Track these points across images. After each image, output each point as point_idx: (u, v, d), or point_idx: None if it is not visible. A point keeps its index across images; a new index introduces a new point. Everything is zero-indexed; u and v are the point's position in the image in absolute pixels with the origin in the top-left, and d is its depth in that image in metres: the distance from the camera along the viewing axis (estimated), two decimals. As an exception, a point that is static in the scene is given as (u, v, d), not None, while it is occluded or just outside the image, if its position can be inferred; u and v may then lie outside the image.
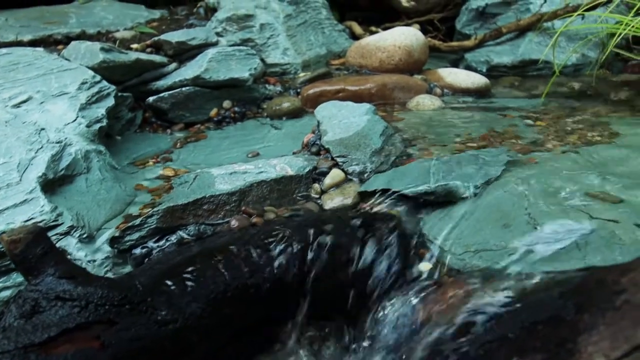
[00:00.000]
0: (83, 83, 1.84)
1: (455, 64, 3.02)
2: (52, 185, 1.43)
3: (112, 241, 1.27)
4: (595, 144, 1.49)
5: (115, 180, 1.57)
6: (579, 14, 2.49)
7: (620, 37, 2.14)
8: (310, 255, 1.20)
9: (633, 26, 2.09)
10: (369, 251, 1.23)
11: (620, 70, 2.70)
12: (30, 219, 1.28)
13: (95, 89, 1.85)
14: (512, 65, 2.77)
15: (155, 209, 1.30)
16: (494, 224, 1.13)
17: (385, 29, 3.27)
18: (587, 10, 2.54)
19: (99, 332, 0.93)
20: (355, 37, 3.19)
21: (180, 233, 1.28)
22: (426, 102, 2.12)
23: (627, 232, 0.98)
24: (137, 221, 1.28)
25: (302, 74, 2.44)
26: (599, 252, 0.96)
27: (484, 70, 2.83)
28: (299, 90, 2.32)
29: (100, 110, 1.79)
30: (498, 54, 2.84)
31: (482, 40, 2.92)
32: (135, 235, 1.27)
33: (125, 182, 1.60)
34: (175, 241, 1.27)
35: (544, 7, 2.84)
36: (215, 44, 2.37)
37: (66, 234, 1.30)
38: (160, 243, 1.27)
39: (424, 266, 1.17)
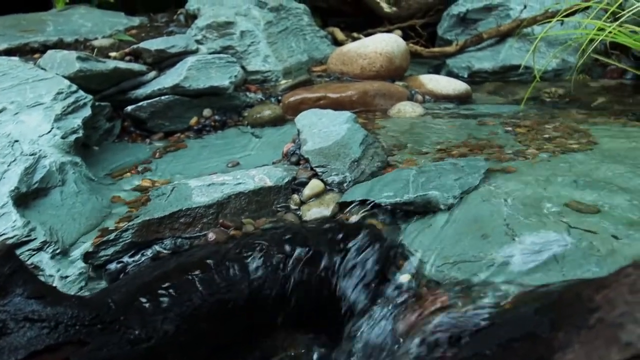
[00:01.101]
0: (59, 93, 1.81)
1: (437, 69, 3.04)
2: (25, 199, 1.40)
3: (87, 256, 1.24)
4: (573, 152, 1.49)
5: (92, 193, 1.55)
6: (558, 20, 2.51)
7: (598, 42, 2.16)
8: (288, 269, 1.19)
9: (610, 32, 2.11)
10: (348, 263, 1.21)
11: (600, 75, 2.73)
12: (2, 234, 1.25)
13: (71, 99, 1.82)
14: (493, 71, 2.79)
15: (130, 223, 1.27)
16: (472, 234, 1.12)
17: (367, 34, 3.27)
18: (566, 16, 2.56)
19: (69, 353, 0.90)
20: (337, 43, 3.18)
21: (156, 247, 1.26)
22: (407, 109, 2.12)
23: (604, 243, 0.98)
24: (112, 236, 1.25)
25: (283, 82, 2.43)
26: (577, 264, 0.95)
27: (466, 75, 2.85)
28: (280, 97, 2.31)
29: (76, 120, 1.76)
30: (479, 59, 2.86)
31: (464, 46, 2.93)
32: (110, 250, 1.24)
33: (101, 194, 1.58)
34: (151, 256, 1.24)
35: (523, 13, 2.86)
36: (195, 52, 2.35)
37: (39, 249, 1.27)
38: (136, 258, 1.24)
39: (403, 277, 1.16)
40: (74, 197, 1.49)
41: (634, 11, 1.93)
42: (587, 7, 2.54)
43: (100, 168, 1.82)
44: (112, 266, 1.23)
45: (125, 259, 1.24)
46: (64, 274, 1.23)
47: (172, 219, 1.30)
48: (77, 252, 1.28)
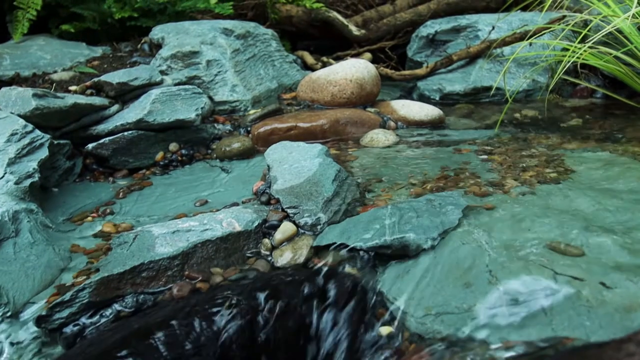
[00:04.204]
0: (13, 134, 1.71)
1: (408, 92, 3.01)
2: (-27, 255, 1.29)
3: (39, 320, 1.14)
4: (551, 183, 1.46)
5: (48, 243, 1.44)
6: (528, 42, 2.51)
7: (570, 63, 2.16)
8: (260, 325, 1.11)
9: (581, 54, 2.10)
10: (325, 315, 1.14)
11: (570, 94, 2.73)
12: (-55, 299, 1.15)
13: (26, 140, 1.72)
14: (464, 93, 2.77)
15: (88, 281, 1.17)
16: (454, 282, 1.06)
17: (336, 58, 3.24)
18: (534, 35, 2.56)
19: None
20: (307, 66, 3.14)
21: (117, 306, 1.16)
22: (380, 138, 2.07)
23: (593, 291, 0.93)
24: (67, 296, 1.15)
25: (252, 111, 2.36)
26: (566, 316, 0.90)
27: (437, 98, 2.82)
28: (249, 128, 2.23)
29: (31, 163, 1.66)
30: (450, 81, 2.84)
31: (434, 68, 2.91)
32: (66, 312, 1.14)
33: (59, 244, 1.47)
34: (110, 316, 1.15)
35: (492, 34, 2.86)
36: (159, 83, 2.27)
37: (-13, 313, 1.17)
38: (94, 319, 1.14)
39: (384, 330, 1.09)
40: (29, 249, 1.38)
41: (603, 34, 1.92)
42: (555, 28, 2.54)
43: (60, 212, 1.71)
44: (68, 329, 1.13)
45: (83, 320, 1.14)
46: (15, 340, 1.13)
47: (133, 273, 1.20)
48: (30, 314, 1.18)
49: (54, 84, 2.27)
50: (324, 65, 3.01)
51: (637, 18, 2.12)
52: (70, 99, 2.00)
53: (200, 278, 1.23)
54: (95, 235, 1.54)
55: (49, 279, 1.32)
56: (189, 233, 1.32)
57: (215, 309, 1.11)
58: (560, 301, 0.92)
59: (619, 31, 2.23)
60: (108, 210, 1.72)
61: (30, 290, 1.26)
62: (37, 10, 2.66)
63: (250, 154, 2.11)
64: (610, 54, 2.21)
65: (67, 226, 1.62)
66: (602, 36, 2.21)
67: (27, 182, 1.59)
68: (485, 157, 1.78)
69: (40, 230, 1.48)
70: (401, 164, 1.76)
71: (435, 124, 2.32)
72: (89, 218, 1.67)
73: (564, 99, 2.68)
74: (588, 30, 2.25)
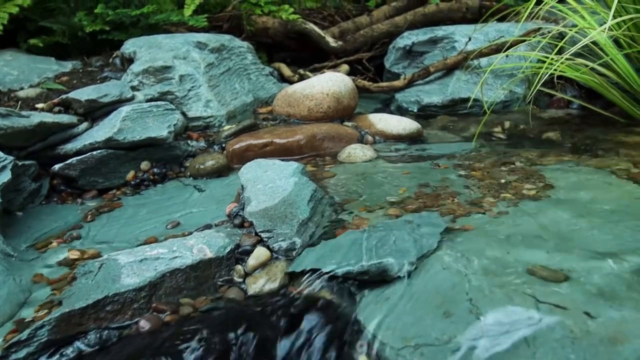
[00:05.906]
0: (-28, 157, 1.63)
1: (386, 104, 2.99)
2: None
3: (-6, 362, 1.07)
4: (531, 201, 1.43)
5: (9, 273, 1.37)
6: (505, 54, 2.50)
7: (547, 75, 2.14)
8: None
9: (558, 67, 2.09)
10: (300, 346, 1.09)
11: (547, 105, 2.73)
12: None
13: (-13, 163, 1.65)
14: (442, 105, 2.75)
15: (47, 318, 1.11)
16: (433, 311, 1.02)
17: (313, 70, 3.20)
18: (511, 47, 2.55)
19: None
20: (284, 79, 3.10)
21: (78, 344, 1.09)
22: (358, 153, 2.03)
23: (577, 322, 0.89)
24: (25, 334, 1.08)
25: (227, 127, 2.30)
26: (550, 348, 0.86)
27: (415, 110, 2.80)
28: (224, 145, 2.18)
29: (-8, 188, 1.58)
30: (428, 93, 2.82)
31: (411, 79, 2.89)
32: (23, 352, 1.07)
33: (21, 273, 1.40)
34: (72, 355, 1.08)
35: (469, 45, 2.85)
36: (130, 100, 2.20)
37: (-61, 354, 1.09)
38: (54, 359, 1.07)
39: (362, 360, 1.04)
40: (-13, 281, 1.31)
41: (580, 46, 1.91)
42: (531, 40, 2.54)
43: (23, 238, 1.63)
44: (26, 371, 1.06)
45: (42, 360, 1.07)
46: (-31, 383, 1.06)
47: (96, 307, 1.14)
48: (-15, 354, 1.10)
49: (20, 102, 2.19)
50: (301, 77, 2.97)
51: (613, 30, 2.12)
52: (36, 118, 1.93)
53: (168, 311, 1.17)
54: (60, 264, 1.47)
55: (7, 313, 1.24)
56: (157, 261, 1.26)
57: (184, 345, 1.06)
58: (544, 331, 0.89)
59: (595, 43, 2.23)
60: (75, 235, 1.65)
61: (-13, 327, 1.19)
62: (3, 24, 2.58)
63: (225, 171, 2.05)
64: (586, 65, 2.21)
65: (30, 254, 1.55)
66: (578, 48, 2.20)
67: (-12, 208, 1.52)
68: (464, 173, 1.74)
69: (0, 260, 1.40)
70: (379, 181, 1.72)
71: (413, 138, 2.29)
72: (54, 244, 1.60)
73: (541, 109, 2.68)
74: (564, 43, 2.25)
